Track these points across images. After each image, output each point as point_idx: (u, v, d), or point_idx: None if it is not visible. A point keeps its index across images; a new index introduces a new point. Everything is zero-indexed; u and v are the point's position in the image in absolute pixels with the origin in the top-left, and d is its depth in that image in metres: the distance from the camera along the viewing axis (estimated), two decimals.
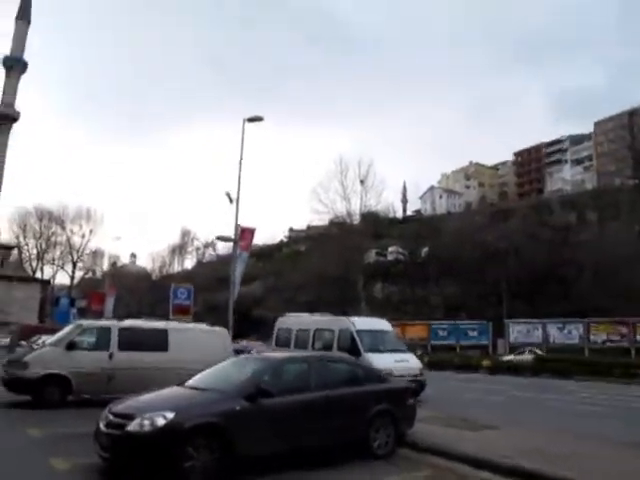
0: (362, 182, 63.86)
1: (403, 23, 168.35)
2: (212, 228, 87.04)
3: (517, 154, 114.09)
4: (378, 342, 17.08)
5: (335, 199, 63.29)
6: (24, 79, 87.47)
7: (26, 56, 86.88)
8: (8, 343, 40.43)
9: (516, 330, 56.52)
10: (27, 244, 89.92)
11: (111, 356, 12.92)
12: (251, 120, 22.04)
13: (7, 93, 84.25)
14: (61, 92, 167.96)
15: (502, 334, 57.07)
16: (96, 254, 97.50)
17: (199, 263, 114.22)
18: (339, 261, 69.88)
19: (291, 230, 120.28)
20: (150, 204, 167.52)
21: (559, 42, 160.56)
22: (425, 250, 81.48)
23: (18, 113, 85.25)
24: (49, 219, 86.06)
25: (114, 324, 13.44)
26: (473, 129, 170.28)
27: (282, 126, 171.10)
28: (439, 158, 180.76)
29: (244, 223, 22.21)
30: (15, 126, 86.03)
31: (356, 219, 66.71)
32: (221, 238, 21.73)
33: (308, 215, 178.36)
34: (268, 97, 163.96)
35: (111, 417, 6.74)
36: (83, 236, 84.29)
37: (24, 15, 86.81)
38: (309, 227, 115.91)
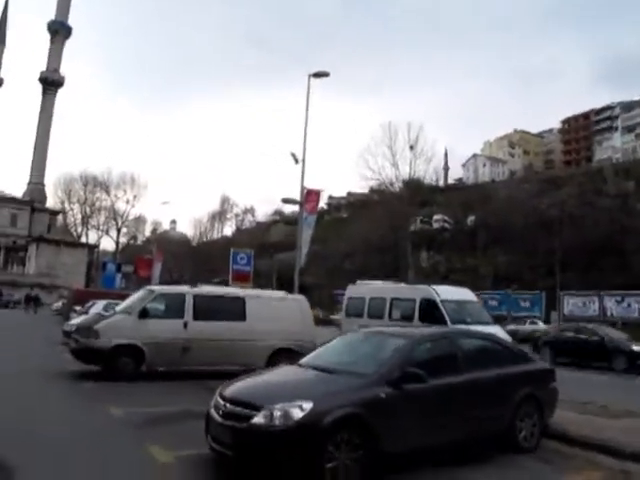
0: (412, 147, 61.71)
1: None
2: (252, 194, 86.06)
3: (564, 121, 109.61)
4: (464, 313, 15.70)
5: (384, 165, 61.15)
6: (68, 44, 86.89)
7: (70, 21, 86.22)
8: (60, 307, 40.41)
9: (571, 302, 54.00)
10: (72, 209, 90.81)
11: (186, 325, 11.76)
12: (317, 75, 20.52)
13: (52, 58, 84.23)
14: (104, 59, 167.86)
15: (554, 306, 54.87)
16: (139, 220, 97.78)
17: (238, 230, 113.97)
18: (384, 229, 68.29)
19: (331, 197, 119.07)
20: (190, 171, 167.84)
21: (606, 3, 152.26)
22: (472, 219, 79.15)
23: (63, 78, 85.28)
24: (94, 184, 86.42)
25: (188, 290, 12.25)
26: (517, 97, 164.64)
27: (320, 95, 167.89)
28: (482, 126, 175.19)
29: (306, 185, 20.70)
30: (60, 92, 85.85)
31: (401, 186, 64.62)
32: (287, 200, 20.39)
33: (347, 182, 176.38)
34: (307, 67, 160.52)
35: (229, 406, 5.45)
36: (127, 201, 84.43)
37: None
38: (349, 194, 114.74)
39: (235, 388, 5.87)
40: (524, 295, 57.09)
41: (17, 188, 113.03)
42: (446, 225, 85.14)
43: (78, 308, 27.52)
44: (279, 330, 12.73)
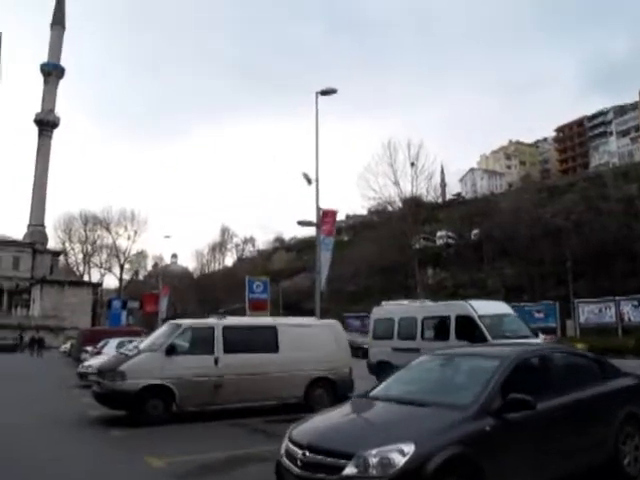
0: (413, 164, 61.20)
1: (433, 6, 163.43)
2: (250, 223, 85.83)
3: (558, 130, 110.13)
4: (503, 327, 14.86)
5: (386, 183, 60.65)
6: (62, 85, 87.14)
7: (63, 62, 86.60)
8: (68, 349, 39.31)
9: (586, 310, 53.07)
10: (73, 249, 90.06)
11: (217, 361, 10.87)
12: (324, 93, 19.94)
13: (47, 99, 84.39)
14: (97, 97, 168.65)
15: (569, 315, 53.77)
16: (140, 255, 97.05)
17: (239, 259, 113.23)
18: (388, 249, 67.58)
19: None
20: (189, 204, 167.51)
21: (591, 10, 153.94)
22: (475, 232, 78.50)
23: (58, 119, 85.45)
24: (93, 223, 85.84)
25: (217, 322, 11.39)
26: (509, 109, 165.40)
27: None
28: (476, 141, 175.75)
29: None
30: (55, 132, 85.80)
31: (400, 205, 64.11)
32: (302, 223, 19.64)
33: (345, 205, 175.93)
34: (303, 90, 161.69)
35: (309, 454, 4.57)
36: (129, 237, 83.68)
37: (59, 20, 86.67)
38: (348, 217, 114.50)
39: (311, 431, 5.00)
40: (537, 306, 56.11)
41: (18, 231, 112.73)
42: (450, 241, 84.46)
43: (89, 349, 26.56)
44: (314, 358, 11.88)
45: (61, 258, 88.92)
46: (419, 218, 70.02)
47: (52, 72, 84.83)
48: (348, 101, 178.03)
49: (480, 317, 14.55)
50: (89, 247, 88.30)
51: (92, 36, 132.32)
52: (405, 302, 18.84)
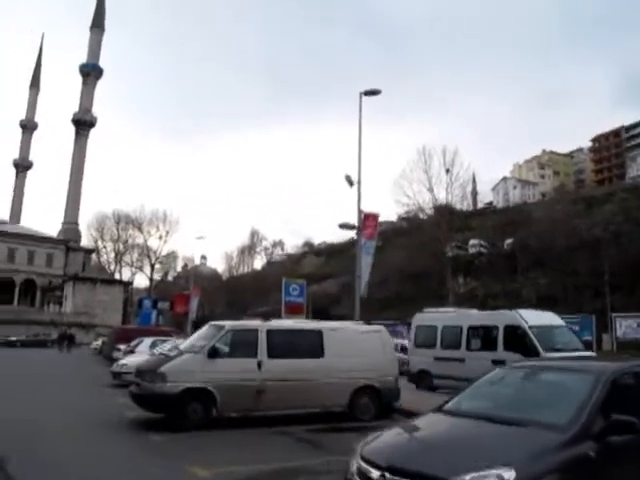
0: (448, 171, 60.36)
1: (466, 14, 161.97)
2: (279, 228, 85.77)
3: (594, 140, 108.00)
4: (555, 339, 14.20)
5: (420, 190, 59.83)
6: (100, 85, 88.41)
7: (101, 63, 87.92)
8: (99, 346, 39.39)
9: (624, 324, 51.35)
10: (105, 247, 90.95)
11: (260, 365, 10.40)
12: (367, 94, 19.46)
13: (84, 99, 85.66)
14: (132, 97, 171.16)
15: (605, 329, 52.16)
16: (170, 256, 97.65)
17: (268, 263, 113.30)
18: (418, 256, 66.68)
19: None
20: (220, 206, 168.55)
21: (626, 18, 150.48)
22: (509, 241, 77.03)
23: (95, 118, 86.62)
24: (126, 222, 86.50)
25: (261, 325, 10.94)
26: (542, 119, 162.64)
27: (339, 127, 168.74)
28: (508, 149, 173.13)
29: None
30: (92, 131, 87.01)
31: (430, 213, 63.25)
32: (344, 226, 19.13)
33: (377, 211, 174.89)
34: (325, 97, 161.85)
35: (389, 476, 4.04)
36: (160, 237, 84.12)
37: (98, 23, 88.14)
38: (379, 223, 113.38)
39: (389, 450, 4.45)
40: (573, 319, 54.48)
41: (52, 228, 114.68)
42: (482, 250, 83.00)
43: (121, 347, 26.43)
44: (360, 365, 11.35)
45: (93, 256, 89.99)
46: (453, 226, 69.04)
47: (91, 73, 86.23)
48: (378, 108, 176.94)
49: (530, 328, 13.92)
50: (121, 246, 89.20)
51: (130, 38, 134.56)
52: (450, 309, 18.22)
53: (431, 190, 61.72)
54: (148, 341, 23.30)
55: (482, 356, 14.81)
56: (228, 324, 10.90)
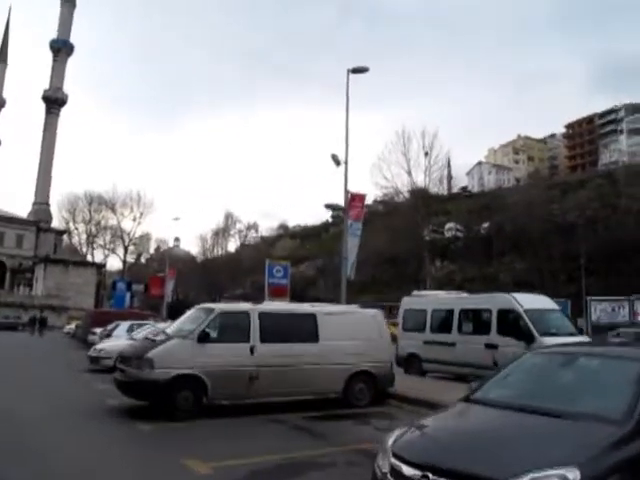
0: (426, 154, 59.98)
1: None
2: (253, 211, 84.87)
3: (568, 126, 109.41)
4: (549, 323, 13.94)
5: (399, 172, 59.47)
6: (70, 62, 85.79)
7: (73, 40, 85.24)
8: (73, 330, 38.38)
9: (598, 309, 51.99)
10: (77, 229, 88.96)
11: (252, 350, 9.85)
12: (355, 71, 18.85)
13: (55, 77, 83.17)
14: (104, 76, 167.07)
15: (580, 313, 52.77)
16: (143, 238, 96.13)
17: (242, 245, 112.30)
18: (395, 239, 66.57)
19: (334, 209, 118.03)
20: (193, 188, 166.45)
21: (604, 7, 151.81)
22: (485, 226, 77.49)
23: (66, 96, 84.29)
24: (98, 203, 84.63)
25: (252, 307, 10.35)
26: (518, 104, 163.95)
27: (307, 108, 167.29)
28: (482, 134, 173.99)
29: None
30: (63, 110, 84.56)
31: (407, 196, 63.05)
32: (330, 206, 19.32)
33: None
34: (306, 78, 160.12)
35: (432, 476, 3.56)
36: (134, 219, 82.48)
37: None
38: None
39: (426, 446, 3.97)
40: None
41: (22, 209, 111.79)
42: (458, 234, 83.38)
43: (97, 331, 25.64)
44: (356, 350, 10.93)
45: (65, 238, 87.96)
46: (430, 209, 69.04)
47: (61, 49, 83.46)
48: (357, 90, 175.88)
49: (526, 311, 13.64)
50: (93, 228, 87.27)
51: (101, 14, 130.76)
52: (441, 293, 17.91)
53: (409, 173, 61.38)
54: (125, 325, 22.61)
55: (474, 340, 14.55)
56: (218, 307, 10.32)
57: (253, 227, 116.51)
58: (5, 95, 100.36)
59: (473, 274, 70.60)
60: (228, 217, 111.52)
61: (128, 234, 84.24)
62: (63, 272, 63.30)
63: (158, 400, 9.26)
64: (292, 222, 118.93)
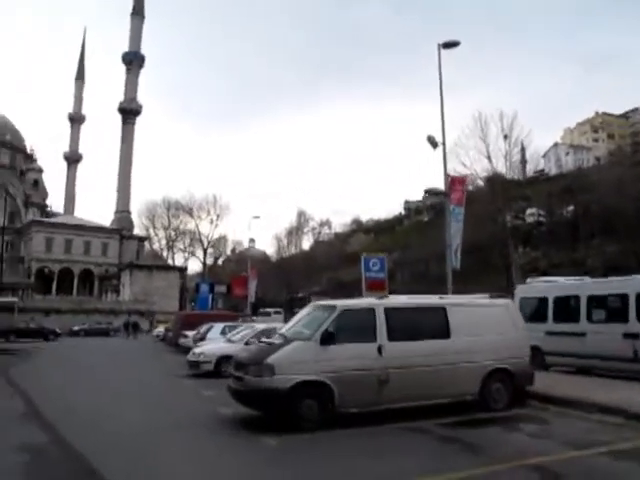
0: (506, 137, 57.18)
1: None
2: (324, 207, 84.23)
3: None
4: None
5: (478, 158, 56.91)
6: (143, 73, 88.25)
7: (143, 51, 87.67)
8: (162, 333, 38.75)
9: None
10: (157, 234, 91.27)
11: (380, 350, 8.81)
12: (446, 46, 17.45)
13: (129, 88, 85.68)
14: (175, 84, 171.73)
15: None
16: (220, 240, 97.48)
17: (316, 242, 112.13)
18: (474, 228, 63.87)
19: (407, 202, 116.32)
20: (264, 190, 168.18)
21: None
22: (570, 209, 73.42)
23: (140, 106, 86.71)
24: (176, 208, 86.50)
25: (377, 302, 9.28)
26: (591, 83, 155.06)
27: (374, 105, 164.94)
28: (556, 116, 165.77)
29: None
30: (138, 120, 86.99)
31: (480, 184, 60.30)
32: (430, 191, 17.48)
33: (421, 186, 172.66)
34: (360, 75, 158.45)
35: None
36: (211, 222, 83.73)
37: (138, 10, 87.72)
38: (425, 197, 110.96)
39: None
40: None
41: (104, 217, 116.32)
42: (541, 219, 79.56)
43: (188, 333, 25.43)
44: (491, 346, 9.70)
45: (146, 244, 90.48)
46: (509, 195, 66.05)
47: (133, 61, 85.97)
48: (418, 80, 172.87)
49: None
50: (172, 233, 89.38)
51: (170, 25, 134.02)
52: (560, 279, 16.30)
53: (489, 158, 58.72)
54: (219, 327, 22.23)
55: (609, 329, 12.99)
56: (340, 303, 9.25)
57: (326, 224, 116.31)
58: (84, 111, 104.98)
59: (559, 260, 67.22)
60: (301, 215, 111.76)
61: (206, 237, 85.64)
62: (148, 277, 64.88)
63: (280, 410, 8.33)
64: (364, 217, 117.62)
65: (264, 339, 10.06)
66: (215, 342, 18.53)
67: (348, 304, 9.38)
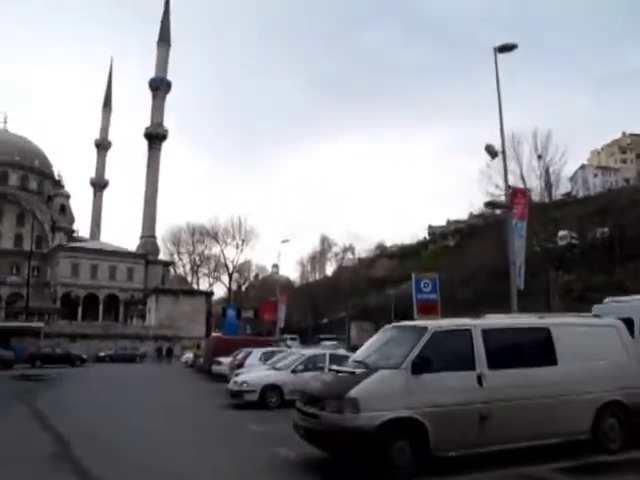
0: (540, 157, 55.32)
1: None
2: (346, 233, 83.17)
3: None
4: None
5: (512, 180, 55.02)
6: (169, 98, 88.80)
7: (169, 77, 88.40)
8: (191, 359, 37.48)
9: None
10: (181, 259, 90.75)
11: (480, 379, 7.42)
12: (502, 50, 16.31)
13: (155, 113, 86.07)
14: (198, 109, 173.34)
15: None
16: (244, 265, 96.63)
17: (340, 268, 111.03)
18: (500, 252, 61.78)
19: (430, 227, 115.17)
20: (290, 216, 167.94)
21: None
22: (604, 230, 71.39)
23: (167, 131, 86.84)
24: (200, 233, 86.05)
25: (474, 323, 7.93)
26: (613, 104, 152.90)
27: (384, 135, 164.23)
28: (580, 138, 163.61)
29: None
30: (164, 145, 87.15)
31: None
32: (492, 204, 16.14)
33: (444, 209, 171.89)
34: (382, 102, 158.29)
35: None
36: (237, 246, 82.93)
37: (165, 37, 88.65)
38: (449, 222, 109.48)
39: None
40: None
41: (129, 243, 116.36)
42: (574, 241, 77.35)
43: (222, 360, 24.07)
44: (601, 374, 8.23)
45: (170, 268, 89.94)
46: (544, 218, 64.10)
47: (159, 87, 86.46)
48: (431, 104, 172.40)
49: None
50: (197, 258, 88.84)
51: (193, 51, 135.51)
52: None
53: (522, 178, 56.99)
54: (257, 352, 20.82)
55: None
56: (431, 324, 7.85)
57: (349, 249, 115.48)
58: (111, 137, 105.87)
59: (595, 283, 65.09)
60: (324, 241, 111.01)
61: (232, 261, 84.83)
62: (174, 302, 63.94)
63: (366, 454, 6.87)
64: (388, 242, 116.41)
65: (334, 367, 8.62)
66: (257, 369, 17.13)
67: (441, 324, 7.94)
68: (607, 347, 8.53)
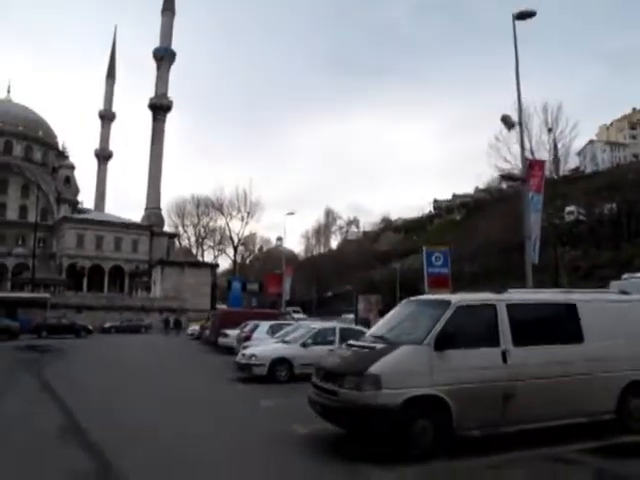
0: (550, 130, 54.32)
1: None
2: (350, 206, 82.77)
3: None
4: None
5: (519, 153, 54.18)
6: (173, 69, 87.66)
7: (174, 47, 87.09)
8: (197, 331, 37.43)
9: None
10: (186, 232, 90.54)
11: (505, 356, 7.14)
12: (520, 17, 15.68)
13: (160, 84, 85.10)
14: (203, 80, 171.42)
15: None
16: (249, 238, 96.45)
17: (344, 241, 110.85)
18: (509, 227, 61.39)
19: (436, 201, 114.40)
20: (295, 188, 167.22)
21: None
22: (611, 206, 70.66)
23: (171, 102, 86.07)
24: (205, 205, 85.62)
25: (498, 298, 7.62)
26: (622, 80, 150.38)
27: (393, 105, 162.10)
28: (589, 113, 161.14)
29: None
30: (168, 116, 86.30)
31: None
32: (506, 177, 15.69)
33: (449, 184, 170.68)
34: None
35: None
36: (242, 219, 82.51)
37: (169, 6, 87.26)
38: (454, 196, 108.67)
39: None
40: None
41: (134, 214, 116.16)
42: (581, 217, 76.60)
43: (229, 332, 23.95)
44: (628, 352, 7.92)
45: (175, 241, 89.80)
46: (552, 193, 63.33)
47: (164, 57, 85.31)
48: (443, 80, 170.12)
49: None
50: (201, 230, 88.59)
51: (200, 21, 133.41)
52: None
53: (532, 152, 56.15)
54: (265, 325, 20.63)
55: None
56: (454, 298, 7.52)
57: (354, 222, 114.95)
58: (115, 108, 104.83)
59: (601, 260, 64.66)
60: (329, 214, 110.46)
61: (237, 234, 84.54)
62: (179, 274, 63.82)
63: (386, 433, 6.62)
64: (393, 216, 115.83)
65: (352, 342, 8.33)
66: (266, 343, 16.91)
67: (465, 299, 7.60)
68: (634, 324, 8.21)
